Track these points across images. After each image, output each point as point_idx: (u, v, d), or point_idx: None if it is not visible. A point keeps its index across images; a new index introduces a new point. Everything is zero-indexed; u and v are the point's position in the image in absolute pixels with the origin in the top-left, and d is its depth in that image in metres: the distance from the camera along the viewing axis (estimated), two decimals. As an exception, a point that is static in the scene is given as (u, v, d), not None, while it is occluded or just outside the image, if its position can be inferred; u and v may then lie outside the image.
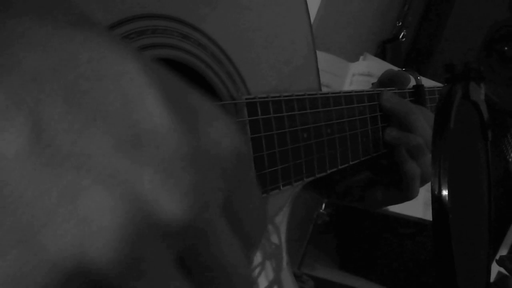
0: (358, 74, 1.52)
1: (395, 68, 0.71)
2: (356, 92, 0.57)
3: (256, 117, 0.45)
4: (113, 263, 0.17)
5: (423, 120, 0.61)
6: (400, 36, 2.22)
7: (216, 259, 0.20)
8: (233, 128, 0.21)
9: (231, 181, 0.20)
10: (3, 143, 0.16)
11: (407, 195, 0.63)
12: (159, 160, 0.18)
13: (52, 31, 0.18)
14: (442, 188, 0.41)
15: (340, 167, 0.54)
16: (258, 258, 0.47)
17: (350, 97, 0.56)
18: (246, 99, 0.44)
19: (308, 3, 0.54)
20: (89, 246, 0.16)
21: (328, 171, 0.53)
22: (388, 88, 0.63)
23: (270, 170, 0.46)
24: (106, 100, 0.18)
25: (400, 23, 2.23)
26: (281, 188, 0.47)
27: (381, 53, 2.13)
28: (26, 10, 0.19)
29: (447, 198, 0.40)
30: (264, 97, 0.45)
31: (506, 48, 2.07)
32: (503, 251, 1.99)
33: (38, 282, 0.16)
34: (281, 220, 0.52)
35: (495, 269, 1.93)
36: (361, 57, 1.63)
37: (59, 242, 0.16)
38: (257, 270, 0.47)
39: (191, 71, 0.42)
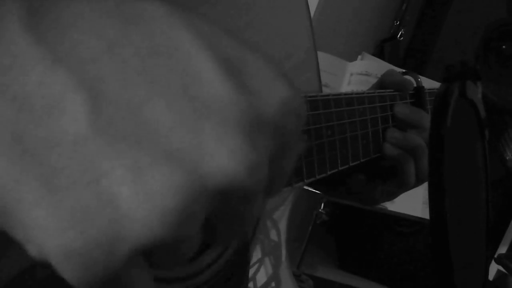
0: (356, 73, 1.53)
1: (395, 69, 0.72)
2: (356, 94, 0.58)
3: None
4: (170, 237, 0.17)
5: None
6: (398, 36, 2.22)
7: (241, 216, 0.20)
8: (287, 86, 0.21)
9: (281, 142, 0.21)
10: (64, 124, 0.17)
11: (404, 183, 0.64)
12: (222, 133, 0.18)
13: (104, 9, 0.18)
14: (439, 187, 0.41)
15: (340, 168, 0.55)
16: (257, 254, 0.48)
17: (350, 99, 0.57)
18: None
19: (306, 2, 0.55)
20: (153, 223, 0.17)
21: (329, 173, 0.53)
22: (388, 90, 0.64)
23: None
24: (168, 73, 0.18)
25: (398, 22, 2.23)
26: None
27: (379, 53, 2.14)
28: None
29: (444, 197, 0.41)
30: None
31: (503, 47, 2.08)
32: (502, 250, 2.00)
33: (104, 253, 0.17)
34: (281, 215, 0.52)
35: (495, 267, 1.94)
36: (359, 57, 1.63)
37: (125, 219, 0.17)
38: (255, 266, 0.48)
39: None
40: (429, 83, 0.82)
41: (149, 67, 0.18)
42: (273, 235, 0.51)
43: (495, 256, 1.91)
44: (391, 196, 0.67)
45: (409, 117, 0.64)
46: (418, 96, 0.67)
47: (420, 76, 0.70)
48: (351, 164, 0.57)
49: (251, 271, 0.47)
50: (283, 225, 0.52)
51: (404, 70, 0.71)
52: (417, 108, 0.66)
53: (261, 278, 0.48)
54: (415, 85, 0.68)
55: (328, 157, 0.53)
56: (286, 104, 0.20)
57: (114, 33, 0.18)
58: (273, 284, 0.50)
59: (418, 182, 0.65)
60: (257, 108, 0.19)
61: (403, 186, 0.64)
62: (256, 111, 0.19)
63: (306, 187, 0.60)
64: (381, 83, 0.67)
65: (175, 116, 0.18)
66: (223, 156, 0.18)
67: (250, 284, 0.47)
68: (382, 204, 0.86)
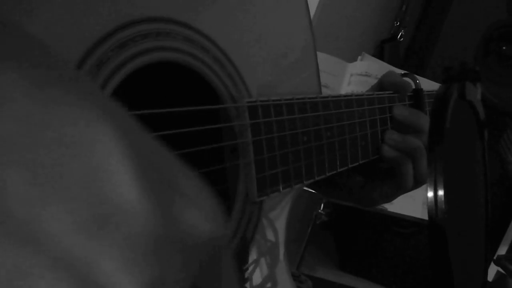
0: (356, 74, 1.53)
1: (395, 70, 0.72)
2: (356, 95, 0.58)
3: (257, 121, 0.45)
4: None
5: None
6: (398, 36, 2.22)
7: None
8: (214, 214, 0.19)
9: (201, 272, 0.19)
10: None
11: (403, 185, 0.64)
12: (121, 246, 0.16)
13: (23, 92, 0.17)
14: (438, 189, 0.41)
15: (339, 170, 0.55)
16: (253, 255, 0.48)
17: (350, 101, 0.57)
18: (247, 102, 0.45)
19: (306, 3, 0.55)
20: None
21: (328, 174, 0.53)
22: (387, 92, 0.64)
23: (270, 173, 0.47)
24: (72, 173, 0.16)
25: (398, 23, 2.23)
26: (281, 190, 0.48)
27: (379, 53, 2.14)
28: (5, 63, 0.17)
29: (443, 198, 0.41)
30: (265, 101, 0.46)
31: (503, 48, 2.08)
32: (501, 251, 2.00)
33: None
34: (278, 215, 0.52)
35: (494, 268, 1.94)
36: (359, 57, 1.63)
37: None
38: (251, 267, 0.48)
39: (193, 73, 0.43)
40: (429, 84, 0.82)
41: (57, 161, 0.16)
42: (269, 235, 0.51)
43: (495, 257, 1.91)
44: (390, 197, 0.67)
45: (407, 119, 0.64)
46: (416, 98, 0.68)
47: (419, 78, 0.70)
48: (350, 166, 0.57)
49: (247, 272, 0.47)
50: (281, 225, 0.52)
51: (404, 72, 0.71)
52: (415, 110, 0.66)
53: (257, 278, 0.48)
54: (414, 87, 0.68)
55: (327, 159, 0.53)
56: (211, 240, 0.19)
57: (24, 120, 0.16)
58: (269, 284, 0.49)
59: (416, 184, 0.65)
60: (164, 228, 0.17)
61: (402, 188, 0.64)
62: (161, 231, 0.17)
63: (305, 188, 0.60)
64: (380, 84, 0.67)
65: (72, 221, 0.16)
66: (114, 270, 0.16)
67: (246, 285, 0.47)
68: (382, 205, 0.86)
